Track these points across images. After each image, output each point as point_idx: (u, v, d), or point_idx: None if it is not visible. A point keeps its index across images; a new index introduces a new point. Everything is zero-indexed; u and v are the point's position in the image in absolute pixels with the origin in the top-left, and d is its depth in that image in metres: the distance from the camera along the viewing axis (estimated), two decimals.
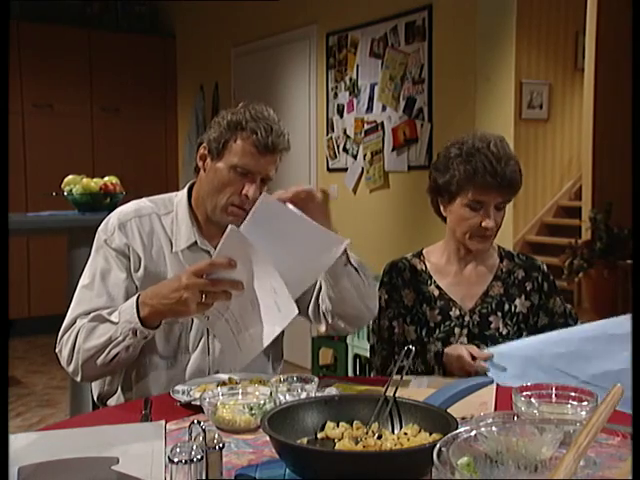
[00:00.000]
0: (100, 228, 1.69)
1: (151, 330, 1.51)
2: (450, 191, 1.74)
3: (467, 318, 1.78)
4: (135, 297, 1.51)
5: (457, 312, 1.78)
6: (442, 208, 1.79)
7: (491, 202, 1.70)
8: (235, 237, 1.36)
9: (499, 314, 1.79)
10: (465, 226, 1.73)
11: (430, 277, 1.82)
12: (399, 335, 1.82)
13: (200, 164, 1.69)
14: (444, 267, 1.84)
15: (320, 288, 1.68)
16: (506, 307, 1.80)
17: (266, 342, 1.42)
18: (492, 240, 1.79)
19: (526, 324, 1.80)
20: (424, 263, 1.85)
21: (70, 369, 1.58)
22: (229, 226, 1.38)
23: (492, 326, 1.78)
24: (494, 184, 1.67)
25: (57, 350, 1.61)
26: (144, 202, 1.73)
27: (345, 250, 1.54)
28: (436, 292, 1.80)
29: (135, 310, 1.48)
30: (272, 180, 1.66)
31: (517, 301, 1.81)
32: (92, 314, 1.55)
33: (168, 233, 1.69)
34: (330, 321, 1.67)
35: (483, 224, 1.70)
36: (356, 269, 1.60)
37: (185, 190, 1.74)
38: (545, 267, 1.88)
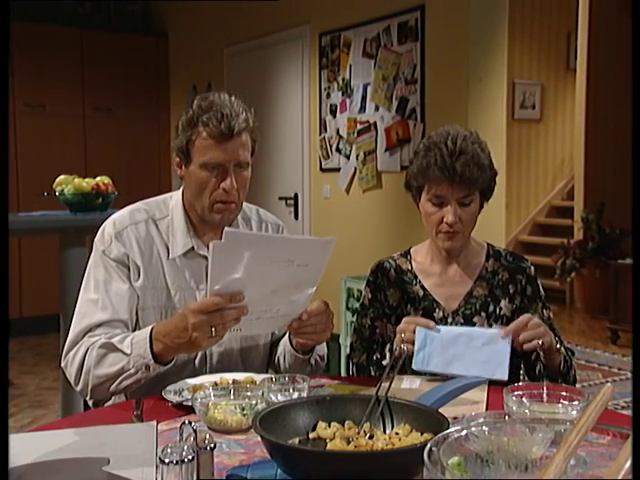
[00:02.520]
0: (97, 238, 1.67)
1: (164, 366, 1.51)
2: (414, 186, 1.75)
3: (450, 320, 1.74)
4: (148, 331, 1.50)
5: (440, 314, 1.75)
6: (417, 205, 1.79)
7: (450, 197, 1.67)
8: (222, 249, 1.36)
9: (483, 315, 1.75)
10: (430, 222, 1.72)
11: (415, 277, 1.80)
12: (381, 334, 1.81)
13: (179, 172, 1.68)
14: (429, 267, 1.81)
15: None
16: (490, 308, 1.75)
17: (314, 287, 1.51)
18: (461, 238, 1.73)
19: None
20: (410, 263, 1.83)
21: (78, 388, 1.57)
22: (211, 243, 1.36)
23: (476, 327, 1.73)
24: (444, 177, 1.65)
25: (63, 365, 1.60)
26: (138, 207, 1.71)
27: (312, 351, 1.65)
28: (420, 292, 1.78)
29: (148, 345, 1.48)
30: (249, 163, 1.63)
31: (502, 303, 1.76)
32: (102, 340, 1.53)
33: (164, 239, 1.67)
34: (273, 365, 1.79)
35: (444, 219, 1.68)
36: (312, 365, 1.69)
37: (180, 193, 1.73)
38: (532, 270, 1.81)
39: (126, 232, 1.64)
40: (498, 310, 1.76)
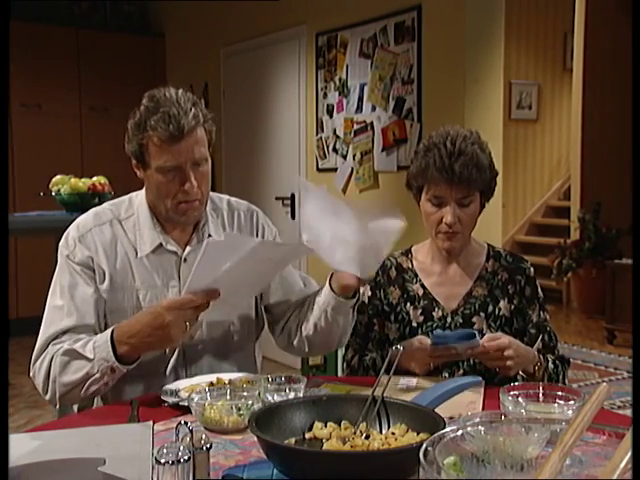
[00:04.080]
0: (61, 243, 1.65)
1: (129, 366, 1.49)
2: (414, 186, 1.76)
3: (449, 319, 1.75)
4: (108, 333, 1.48)
5: (439, 313, 1.76)
6: (418, 204, 1.80)
7: (449, 197, 1.68)
8: (215, 248, 1.39)
9: (482, 315, 1.75)
10: (430, 222, 1.73)
11: (416, 276, 1.81)
12: (378, 332, 1.81)
13: (139, 174, 1.65)
14: (429, 266, 1.82)
15: (295, 310, 1.73)
16: (490, 308, 1.76)
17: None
18: (461, 239, 1.74)
19: (510, 327, 1.77)
20: (411, 261, 1.84)
21: (47, 397, 1.55)
22: (205, 242, 1.41)
23: (475, 327, 1.74)
24: (443, 179, 1.66)
25: (31, 375, 1.58)
26: (104, 208, 1.68)
27: (356, 293, 1.60)
28: (420, 291, 1.79)
29: (110, 348, 1.46)
30: (207, 158, 1.59)
31: (501, 303, 1.77)
32: (65, 347, 1.51)
33: (131, 238, 1.64)
34: (301, 344, 1.71)
35: (443, 220, 1.69)
36: (353, 310, 1.65)
37: (144, 190, 1.69)
38: (531, 271, 1.82)
39: (90, 235, 1.62)
40: (497, 311, 1.76)
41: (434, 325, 1.75)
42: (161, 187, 1.58)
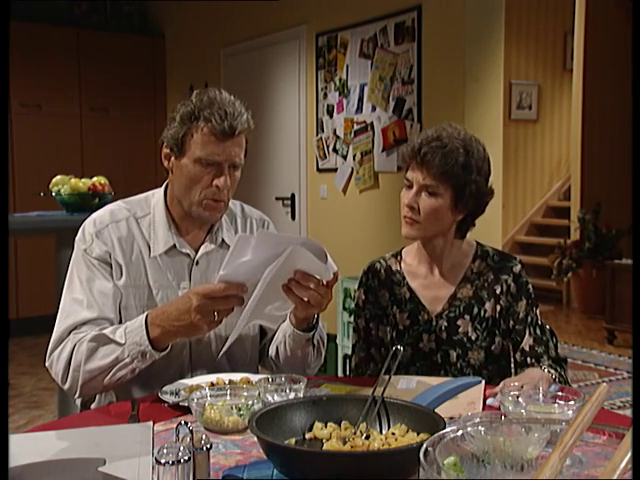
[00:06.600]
0: (77, 237, 1.65)
1: (160, 353, 1.49)
2: (404, 175, 1.76)
3: (434, 323, 1.72)
4: (143, 317, 1.49)
5: (425, 316, 1.73)
6: None
7: (414, 181, 1.65)
8: (245, 241, 1.37)
9: (467, 317, 1.71)
10: (401, 207, 1.71)
11: (403, 278, 1.78)
12: (376, 336, 1.80)
13: (166, 164, 1.65)
14: (416, 268, 1.78)
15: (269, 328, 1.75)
16: (475, 310, 1.72)
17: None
18: (419, 230, 1.67)
19: (498, 329, 1.73)
20: (399, 263, 1.81)
21: (66, 386, 1.54)
22: (238, 234, 1.41)
23: (460, 330, 1.71)
24: (411, 159, 1.66)
25: (47, 364, 1.58)
26: (119, 205, 1.69)
27: (315, 326, 1.61)
28: (407, 294, 1.76)
29: (145, 332, 1.46)
30: (242, 165, 1.62)
31: (487, 305, 1.72)
32: (92, 334, 1.51)
33: (146, 237, 1.65)
34: (270, 364, 1.77)
35: (403, 202, 1.68)
36: (314, 346, 1.65)
37: (162, 190, 1.71)
38: (518, 268, 1.74)
39: (107, 231, 1.63)
40: (482, 312, 1.72)
41: (420, 329, 1.73)
42: (193, 178, 1.58)
